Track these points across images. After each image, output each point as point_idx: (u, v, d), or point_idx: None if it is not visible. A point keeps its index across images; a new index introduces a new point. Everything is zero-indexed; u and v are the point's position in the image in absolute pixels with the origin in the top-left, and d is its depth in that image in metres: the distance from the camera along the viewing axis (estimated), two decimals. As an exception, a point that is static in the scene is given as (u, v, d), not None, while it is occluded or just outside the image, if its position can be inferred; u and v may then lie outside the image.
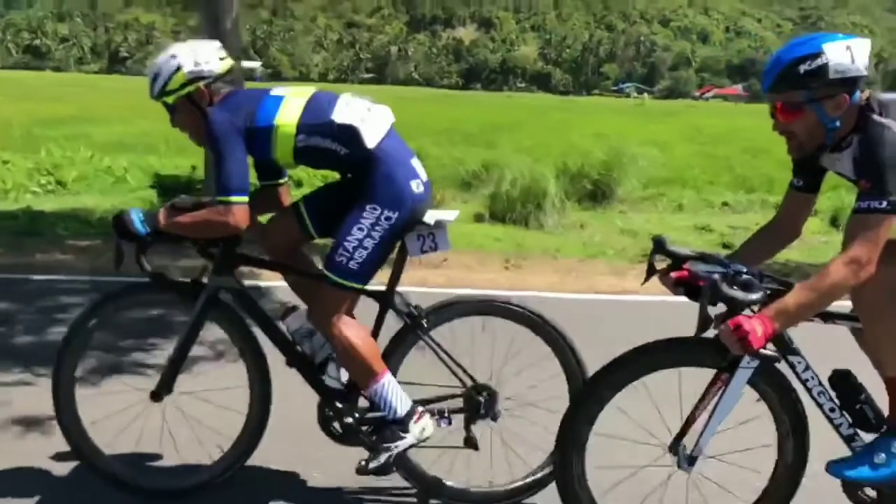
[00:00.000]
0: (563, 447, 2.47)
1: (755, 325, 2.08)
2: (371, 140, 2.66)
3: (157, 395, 2.87)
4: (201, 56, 2.71)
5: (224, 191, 2.62)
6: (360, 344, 2.70)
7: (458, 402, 2.86)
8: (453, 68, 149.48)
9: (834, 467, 2.39)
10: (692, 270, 2.35)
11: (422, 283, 6.13)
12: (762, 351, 2.17)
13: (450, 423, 2.85)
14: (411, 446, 2.74)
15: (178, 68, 2.68)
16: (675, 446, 2.43)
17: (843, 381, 2.44)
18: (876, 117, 2.19)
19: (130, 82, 64.49)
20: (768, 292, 2.23)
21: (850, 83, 2.19)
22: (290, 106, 2.69)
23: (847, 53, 2.17)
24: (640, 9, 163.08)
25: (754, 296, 2.17)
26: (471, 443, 2.83)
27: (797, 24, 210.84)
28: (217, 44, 2.83)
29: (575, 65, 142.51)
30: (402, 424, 2.71)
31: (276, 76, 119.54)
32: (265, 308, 2.95)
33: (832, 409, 2.39)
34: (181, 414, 3.09)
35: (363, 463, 2.72)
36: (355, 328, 2.73)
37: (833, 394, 2.39)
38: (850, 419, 2.40)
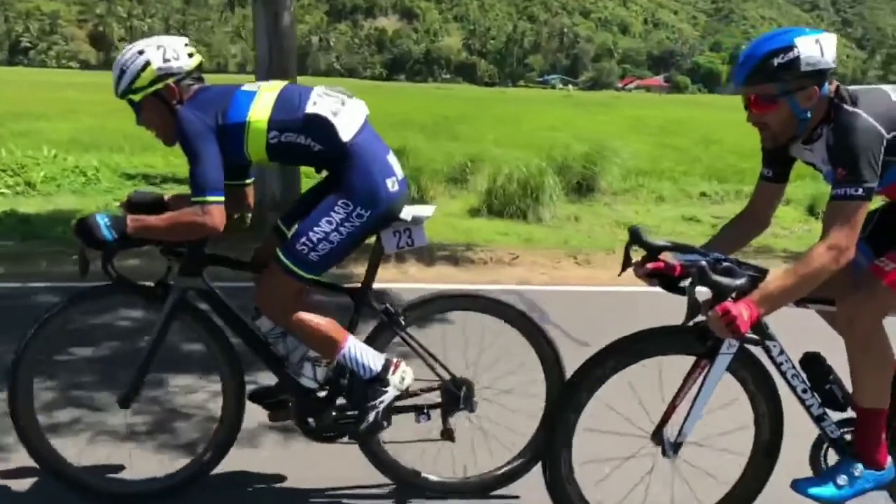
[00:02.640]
0: (551, 440, 2.50)
1: (742, 310, 2.14)
2: (346, 134, 2.59)
3: (125, 401, 2.76)
4: (170, 52, 2.60)
5: (199, 191, 2.50)
6: (312, 319, 2.64)
7: (436, 396, 2.86)
8: (376, 59, 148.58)
9: (799, 485, 2.48)
10: (673, 260, 2.39)
11: (523, 282, 6.28)
12: (747, 335, 2.23)
13: (429, 419, 2.86)
14: (396, 398, 2.72)
15: (147, 64, 2.56)
16: (657, 435, 2.48)
17: (813, 363, 2.55)
18: (847, 107, 2.24)
19: (41, 74, 61.53)
20: (750, 278, 2.29)
21: (820, 75, 2.25)
22: (262, 101, 2.60)
23: (817, 47, 2.24)
24: (561, 0, 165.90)
25: (739, 281, 2.24)
26: (448, 434, 2.83)
27: (711, 16, 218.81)
28: (184, 39, 2.72)
29: (499, 56, 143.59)
30: (380, 380, 2.69)
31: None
32: (236, 309, 2.82)
33: (804, 391, 2.46)
34: (155, 417, 3.16)
35: (355, 428, 2.71)
36: (303, 308, 2.66)
37: (804, 376, 2.48)
38: (819, 399, 2.49)
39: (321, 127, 2.58)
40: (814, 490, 2.47)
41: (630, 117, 29.36)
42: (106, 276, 2.63)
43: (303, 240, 2.60)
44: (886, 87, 2.38)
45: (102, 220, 2.54)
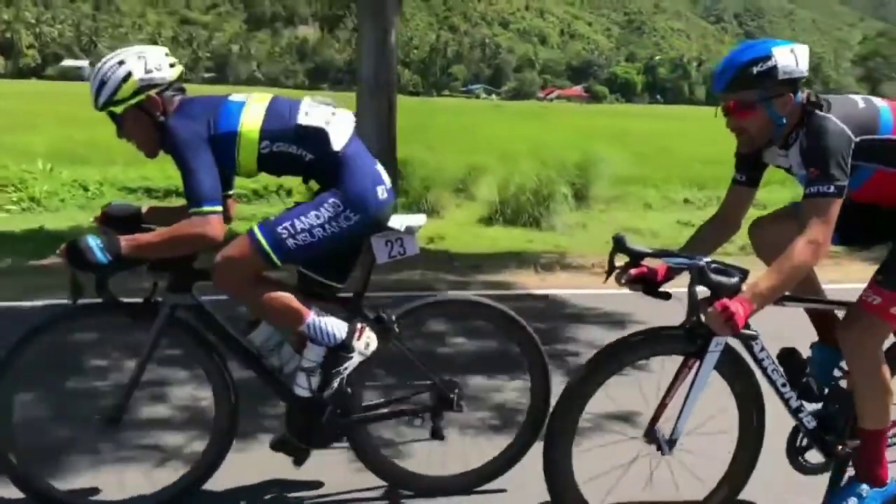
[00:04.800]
0: (552, 446, 2.50)
1: (738, 307, 2.21)
2: (338, 143, 2.61)
3: (113, 421, 2.67)
4: (152, 62, 2.53)
5: (196, 201, 2.46)
6: (276, 293, 2.61)
7: (427, 398, 2.89)
8: (298, 67, 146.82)
9: None
10: (655, 265, 2.52)
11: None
12: (744, 331, 2.30)
13: (423, 421, 2.90)
14: (360, 363, 2.72)
15: (129, 76, 2.50)
16: (650, 433, 2.53)
17: (790, 358, 2.69)
18: (819, 112, 2.36)
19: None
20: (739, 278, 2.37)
21: (794, 83, 2.38)
22: (252, 111, 2.60)
23: (792, 56, 2.37)
24: (481, 11, 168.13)
25: (734, 279, 2.31)
26: (437, 434, 2.88)
27: (624, 27, 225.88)
28: (164, 49, 2.64)
29: (423, 66, 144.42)
30: (344, 347, 2.68)
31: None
32: (226, 322, 2.77)
33: (783, 385, 2.56)
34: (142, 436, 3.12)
35: (317, 393, 2.69)
36: (263, 284, 2.62)
37: (782, 370, 2.59)
38: (796, 392, 2.61)
39: (314, 136, 2.59)
40: None
41: (574, 127, 30.00)
42: (102, 299, 2.55)
43: (286, 224, 2.57)
44: (853, 96, 2.54)
45: (95, 242, 2.45)
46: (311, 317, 2.64)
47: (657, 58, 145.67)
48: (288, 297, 2.62)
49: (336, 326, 2.68)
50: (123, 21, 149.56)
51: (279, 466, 2.95)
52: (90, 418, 2.83)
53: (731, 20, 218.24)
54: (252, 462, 3.05)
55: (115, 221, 2.73)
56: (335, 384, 2.68)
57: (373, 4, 7.92)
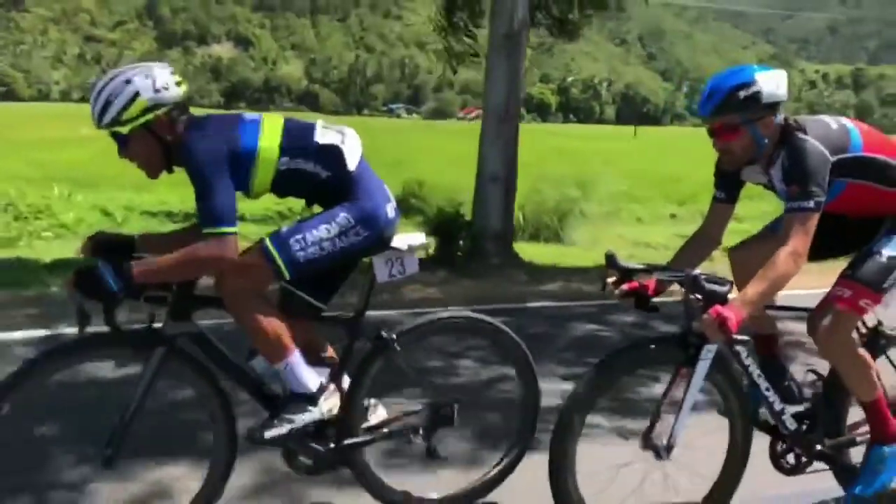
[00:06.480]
0: (556, 465, 2.56)
1: (730, 314, 2.32)
2: (351, 162, 2.64)
3: (109, 461, 2.51)
4: (160, 81, 2.47)
5: (213, 222, 2.42)
6: (271, 320, 2.57)
7: (425, 419, 2.88)
8: (213, 87, 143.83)
9: (849, 497, 2.82)
10: (647, 281, 2.66)
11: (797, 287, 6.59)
12: (736, 336, 2.43)
13: (423, 440, 2.88)
14: (315, 421, 2.65)
15: (136, 95, 2.43)
16: (646, 441, 2.61)
17: (772, 364, 2.85)
18: (799, 134, 2.54)
19: None
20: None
21: (776, 107, 2.56)
22: (269, 129, 2.60)
23: (773, 82, 2.54)
24: (398, 32, 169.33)
25: (725, 287, 2.44)
26: (434, 454, 2.88)
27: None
28: (169, 67, 2.58)
29: (342, 85, 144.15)
30: (311, 399, 2.63)
31: (10, 95, 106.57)
32: (227, 350, 2.69)
33: (767, 389, 2.69)
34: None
35: (256, 428, 2.61)
36: (264, 305, 2.58)
37: (765, 375, 2.72)
38: (779, 396, 2.75)
39: (331, 155, 2.61)
40: (863, 489, 2.77)
41: (525, 146, 30.52)
42: (110, 329, 2.45)
43: (298, 236, 2.56)
44: (825, 118, 2.70)
45: (106, 269, 2.36)
46: (292, 358, 2.61)
47: (570, 79, 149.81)
48: (281, 328, 2.58)
49: (310, 377, 2.64)
50: (25, 38, 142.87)
51: (265, 490, 3.02)
52: (86, 457, 2.82)
53: (634, 42, 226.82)
54: (237, 487, 2.97)
55: (104, 251, 2.60)
56: (281, 430, 2.60)
57: (507, 45, 8.32)
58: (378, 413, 2.85)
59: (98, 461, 2.52)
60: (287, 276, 2.56)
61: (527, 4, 8.54)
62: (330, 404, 2.68)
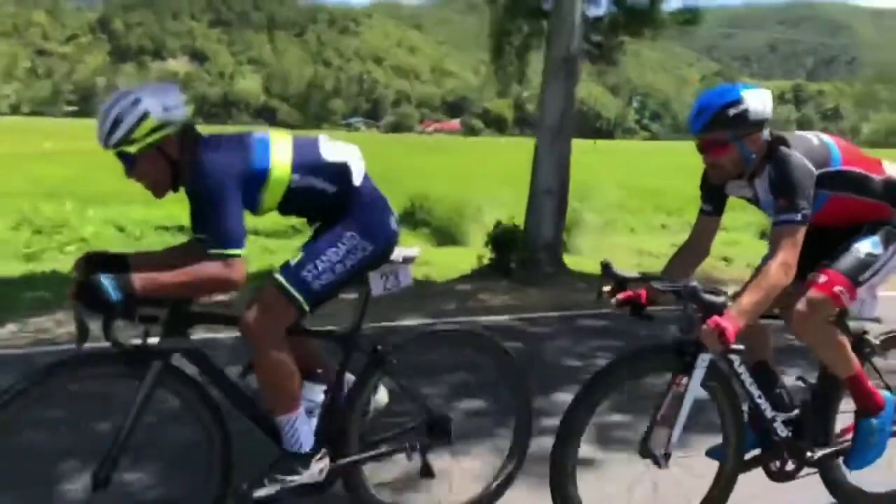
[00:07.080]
0: (556, 475, 2.57)
1: (728, 324, 2.36)
2: (357, 178, 2.66)
3: (103, 482, 2.41)
4: (170, 101, 2.46)
5: (220, 242, 2.39)
6: (288, 369, 2.55)
7: (421, 435, 2.88)
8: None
9: (852, 467, 2.86)
10: (641, 290, 2.73)
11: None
12: (733, 346, 2.42)
13: (421, 456, 2.87)
14: (303, 485, 2.61)
15: (146, 115, 2.41)
16: (644, 449, 2.59)
17: (763, 371, 2.85)
18: (784, 149, 2.60)
19: None
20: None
21: (762, 123, 2.62)
22: (279, 146, 2.58)
23: (760, 100, 2.61)
24: (355, 47, 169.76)
25: (722, 298, 2.46)
26: (428, 471, 2.88)
27: (489, 65, 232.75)
28: (177, 86, 2.61)
29: (301, 100, 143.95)
30: (302, 461, 2.61)
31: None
32: (222, 367, 2.66)
33: (759, 396, 2.73)
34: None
35: (244, 486, 2.55)
36: (285, 353, 2.54)
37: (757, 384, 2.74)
38: (770, 404, 2.77)
39: (339, 170, 2.62)
40: (859, 462, 2.83)
41: (498, 160, 29.88)
42: (109, 342, 2.39)
43: (309, 266, 2.55)
44: (807, 134, 2.77)
45: (107, 281, 2.31)
46: (297, 414, 2.59)
47: (525, 94, 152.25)
48: (295, 384, 2.58)
49: (306, 437, 2.62)
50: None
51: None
52: (79, 479, 2.83)
53: (583, 58, 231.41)
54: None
55: (100, 269, 2.50)
56: (273, 490, 2.56)
57: (564, 68, 8.88)
58: (381, 395, 2.88)
59: (91, 483, 2.41)
60: (307, 308, 2.55)
61: (582, 32, 9.20)
62: (321, 465, 2.65)
